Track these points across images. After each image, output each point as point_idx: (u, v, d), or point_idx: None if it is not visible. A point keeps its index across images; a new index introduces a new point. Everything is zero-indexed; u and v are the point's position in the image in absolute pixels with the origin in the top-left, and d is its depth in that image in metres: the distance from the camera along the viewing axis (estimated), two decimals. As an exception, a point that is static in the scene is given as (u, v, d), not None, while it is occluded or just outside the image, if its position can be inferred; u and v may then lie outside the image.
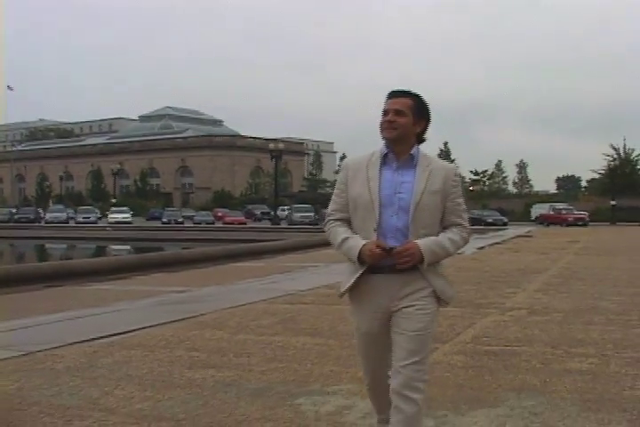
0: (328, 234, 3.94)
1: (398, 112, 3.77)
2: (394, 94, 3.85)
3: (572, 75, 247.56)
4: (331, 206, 3.97)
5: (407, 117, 3.77)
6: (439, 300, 3.78)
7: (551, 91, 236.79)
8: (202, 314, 9.55)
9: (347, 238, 3.79)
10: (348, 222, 3.88)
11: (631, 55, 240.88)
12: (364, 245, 3.67)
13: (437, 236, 3.75)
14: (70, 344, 7.49)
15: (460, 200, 3.86)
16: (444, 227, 3.82)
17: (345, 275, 3.89)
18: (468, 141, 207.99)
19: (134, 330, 8.38)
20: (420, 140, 3.89)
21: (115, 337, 7.92)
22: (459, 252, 4.22)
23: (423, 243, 3.65)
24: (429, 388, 5.24)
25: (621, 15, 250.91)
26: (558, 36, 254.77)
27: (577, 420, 4.69)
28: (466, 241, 3.87)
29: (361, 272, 3.74)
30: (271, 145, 67.47)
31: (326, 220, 3.98)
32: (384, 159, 3.83)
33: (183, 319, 9.18)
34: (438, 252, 3.71)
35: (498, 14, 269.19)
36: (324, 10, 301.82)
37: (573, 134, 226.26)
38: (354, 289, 3.82)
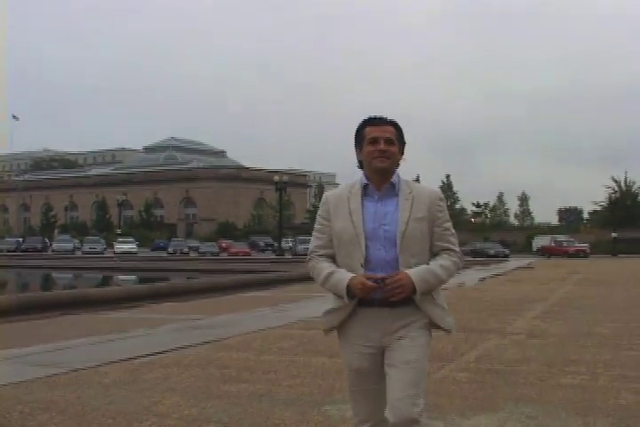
0: (311, 270, 3.81)
1: (389, 140, 3.70)
2: (377, 121, 3.77)
3: (576, 106, 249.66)
4: (313, 243, 3.84)
5: (395, 146, 3.72)
6: (431, 331, 3.75)
7: (555, 122, 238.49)
8: (225, 338, 10.29)
9: (332, 273, 3.67)
10: (332, 259, 3.76)
11: (634, 87, 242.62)
12: (353, 278, 3.56)
13: (428, 264, 3.66)
14: (111, 363, 8.25)
15: (448, 224, 3.75)
16: (434, 254, 3.72)
17: (329, 310, 3.81)
18: (469, 173, 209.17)
19: (166, 351, 9.11)
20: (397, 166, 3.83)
21: (150, 357, 8.68)
22: (458, 282, 4.47)
23: (414, 272, 3.55)
24: (438, 398, 6.07)
25: (620, 54, 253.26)
26: (560, 66, 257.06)
27: (567, 422, 5.48)
28: (458, 266, 3.75)
29: (352, 306, 3.65)
30: (276, 177, 68.39)
31: (308, 257, 3.85)
32: (365, 190, 3.74)
33: (209, 342, 9.93)
34: (430, 280, 3.60)
35: (500, 43, 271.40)
36: (326, 40, 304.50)
37: (577, 166, 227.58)
38: (343, 324, 3.75)
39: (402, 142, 3.77)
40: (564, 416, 5.65)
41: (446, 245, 3.72)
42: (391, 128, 3.73)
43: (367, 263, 3.59)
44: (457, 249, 3.75)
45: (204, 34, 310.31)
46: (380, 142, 3.66)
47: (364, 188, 3.73)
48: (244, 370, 7.75)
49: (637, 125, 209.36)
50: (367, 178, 3.74)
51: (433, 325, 3.70)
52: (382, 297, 3.56)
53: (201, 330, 11.53)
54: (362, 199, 3.70)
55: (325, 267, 3.70)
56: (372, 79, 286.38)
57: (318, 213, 3.84)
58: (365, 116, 3.83)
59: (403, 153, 3.80)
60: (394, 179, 3.72)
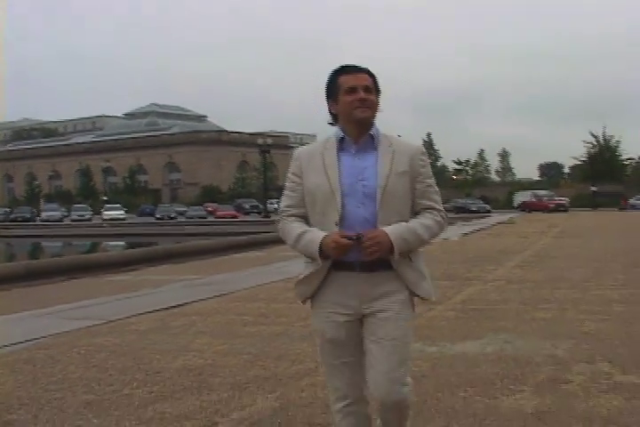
0: (281, 231, 3.52)
1: (368, 89, 3.39)
2: (352, 69, 3.44)
3: (557, 63, 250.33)
4: (283, 202, 3.54)
5: (374, 94, 3.42)
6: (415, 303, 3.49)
7: (535, 79, 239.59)
8: (233, 292, 11.36)
9: (304, 232, 3.36)
10: (304, 219, 3.46)
11: (614, 45, 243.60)
12: (326, 236, 3.26)
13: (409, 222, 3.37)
14: (138, 315, 9.28)
15: (431, 181, 3.47)
16: (416, 212, 3.44)
17: (302, 279, 3.48)
18: (451, 130, 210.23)
19: (183, 304, 10.15)
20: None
21: (172, 309, 9.69)
22: (442, 237, 4.12)
23: (392, 230, 3.26)
24: (430, 331, 7.21)
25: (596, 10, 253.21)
26: (543, 25, 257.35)
27: (537, 344, 6.66)
28: (441, 225, 3.46)
29: (326, 270, 3.37)
30: (259, 140, 69.03)
31: (278, 217, 3.57)
32: (340, 144, 3.43)
33: (220, 295, 10.98)
34: (410, 239, 3.30)
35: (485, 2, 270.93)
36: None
37: (558, 122, 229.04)
38: (316, 290, 3.44)
39: (378, 91, 3.47)
40: (535, 340, 6.82)
41: (429, 203, 3.44)
42: (366, 76, 3.42)
43: (343, 222, 3.31)
44: (440, 208, 3.47)
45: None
46: (358, 91, 3.36)
47: (340, 141, 3.43)
48: (259, 316, 8.84)
49: (616, 80, 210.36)
50: (343, 131, 3.44)
51: (411, 293, 3.42)
52: (360, 260, 3.29)
53: (209, 286, 12.51)
54: (338, 153, 3.41)
55: (296, 227, 3.41)
56: (353, 36, 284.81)
57: (289, 169, 3.55)
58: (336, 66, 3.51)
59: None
60: (372, 131, 3.42)
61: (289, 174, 3.53)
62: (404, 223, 3.32)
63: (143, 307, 10.09)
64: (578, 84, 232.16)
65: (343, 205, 3.30)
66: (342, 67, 3.46)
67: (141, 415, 4.84)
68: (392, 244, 3.23)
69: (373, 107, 3.40)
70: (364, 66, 3.48)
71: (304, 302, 3.52)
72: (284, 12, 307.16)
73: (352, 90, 3.36)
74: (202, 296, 11.00)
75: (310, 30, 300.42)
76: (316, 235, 3.30)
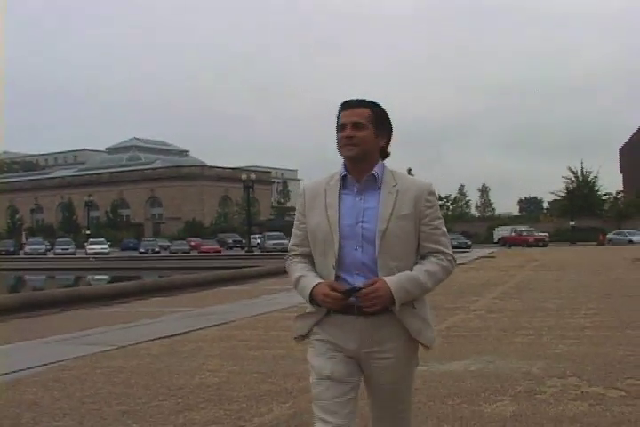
0: (287, 271, 3.46)
1: (357, 125, 3.25)
2: (348, 104, 3.33)
3: (536, 98, 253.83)
4: (291, 240, 3.49)
5: (368, 130, 3.25)
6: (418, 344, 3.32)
7: (519, 112, 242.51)
8: (232, 320, 12.10)
9: (301, 277, 3.30)
10: (309, 258, 3.38)
11: (599, 80, 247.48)
12: (317, 285, 3.19)
13: (412, 269, 3.24)
14: (146, 341, 9.97)
15: (437, 222, 3.29)
16: (422, 256, 3.30)
17: (302, 314, 3.41)
18: (432, 163, 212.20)
19: (187, 332, 10.86)
20: (384, 154, 3.39)
21: (176, 337, 10.39)
22: None
23: (393, 281, 3.11)
24: (419, 354, 7.96)
25: (592, 42, 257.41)
26: (528, 58, 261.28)
27: (515, 364, 7.48)
28: (448, 270, 3.29)
29: (324, 311, 3.26)
30: (243, 176, 69.83)
31: (286, 256, 3.50)
32: (343, 182, 3.32)
33: (218, 325, 11.68)
34: (412, 290, 3.16)
35: (470, 36, 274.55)
36: (292, 38, 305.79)
37: (539, 156, 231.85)
38: (314, 331, 3.32)
39: (381, 127, 3.34)
40: (514, 361, 7.66)
41: (435, 246, 3.28)
42: (364, 110, 3.29)
43: (341, 265, 3.22)
44: (448, 251, 3.31)
45: (157, 32, 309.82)
46: (347, 128, 3.26)
47: (343, 179, 3.32)
48: (261, 341, 9.61)
49: (599, 114, 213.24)
50: (346, 168, 3.33)
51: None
52: (359, 304, 3.17)
53: (207, 316, 13.21)
54: (340, 192, 3.30)
55: (297, 269, 3.35)
56: (335, 74, 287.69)
57: (296, 205, 3.51)
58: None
59: (386, 139, 3.38)
60: (375, 170, 3.28)
61: (296, 211, 3.49)
62: (406, 272, 3.19)
63: (149, 335, 10.73)
64: (561, 118, 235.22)
65: (341, 248, 3.21)
66: (343, 102, 3.37)
67: (174, 421, 5.60)
68: (393, 296, 3.10)
69: (362, 144, 3.25)
70: (368, 99, 3.37)
71: (298, 339, 3.43)
72: (263, 46, 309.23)
73: (342, 127, 3.29)
74: (202, 325, 11.64)
75: (292, 62, 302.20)
76: (309, 282, 3.24)
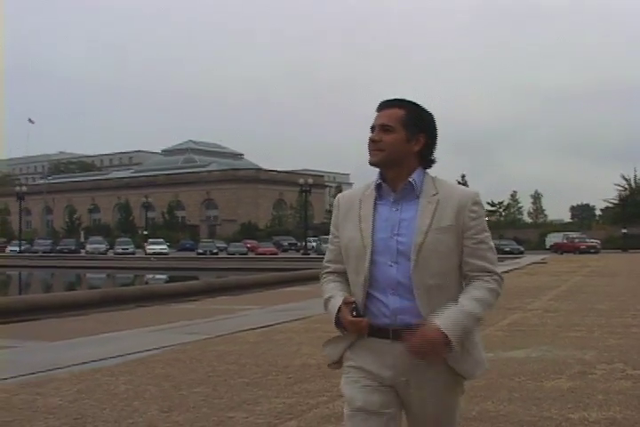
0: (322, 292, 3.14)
1: (384, 127, 2.95)
2: (381, 105, 3.03)
3: (593, 105, 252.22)
4: (325, 256, 3.18)
5: (396, 133, 2.94)
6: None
7: (575, 120, 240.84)
8: (310, 316, 13.26)
9: (330, 298, 3.03)
10: (343, 275, 3.07)
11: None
12: (340, 310, 2.93)
13: (453, 290, 2.92)
14: (240, 331, 11.22)
15: (483, 236, 2.95)
16: (465, 275, 2.96)
17: (330, 339, 3.15)
18: (486, 169, 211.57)
19: (273, 325, 12.08)
20: (427, 161, 3.04)
21: (265, 328, 11.63)
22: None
23: (442, 320, 2.77)
24: (485, 343, 9.18)
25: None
26: (576, 64, 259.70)
27: (571, 353, 8.72)
28: (496, 293, 2.95)
29: (353, 339, 2.99)
30: (301, 180, 71.48)
31: (320, 273, 3.20)
32: (379, 191, 3.01)
33: (300, 319, 12.87)
34: (468, 325, 2.84)
35: (525, 43, 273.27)
36: (345, 45, 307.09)
37: (592, 164, 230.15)
38: (346, 357, 3.05)
39: (415, 130, 2.97)
40: (569, 350, 8.90)
41: (481, 263, 2.93)
42: (397, 111, 2.97)
43: (373, 283, 2.92)
44: (495, 269, 2.96)
45: (222, 35, 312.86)
46: (374, 131, 3.00)
47: (378, 188, 3.02)
48: (344, 333, 10.84)
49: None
50: (382, 177, 3.02)
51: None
52: (394, 327, 2.88)
53: (284, 312, 14.35)
54: (375, 202, 3.00)
55: (328, 289, 3.07)
56: (388, 78, 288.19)
57: (332, 218, 3.20)
58: None
59: (423, 145, 3.00)
60: (413, 177, 2.95)
61: (331, 224, 3.19)
62: (453, 308, 2.82)
63: (239, 326, 11.85)
64: (616, 126, 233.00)
65: (374, 264, 2.91)
66: (380, 102, 3.06)
67: (292, 389, 6.87)
68: (447, 337, 2.75)
69: (388, 149, 2.94)
70: (406, 99, 3.04)
71: (332, 366, 3.15)
72: (319, 52, 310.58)
73: (372, 130, 3.00)
74: (285, 319, 12.78)
75: (349, 71, 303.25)
76: (335, 305, 2.97)
